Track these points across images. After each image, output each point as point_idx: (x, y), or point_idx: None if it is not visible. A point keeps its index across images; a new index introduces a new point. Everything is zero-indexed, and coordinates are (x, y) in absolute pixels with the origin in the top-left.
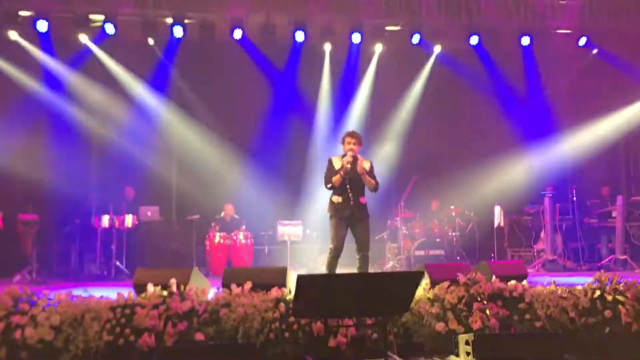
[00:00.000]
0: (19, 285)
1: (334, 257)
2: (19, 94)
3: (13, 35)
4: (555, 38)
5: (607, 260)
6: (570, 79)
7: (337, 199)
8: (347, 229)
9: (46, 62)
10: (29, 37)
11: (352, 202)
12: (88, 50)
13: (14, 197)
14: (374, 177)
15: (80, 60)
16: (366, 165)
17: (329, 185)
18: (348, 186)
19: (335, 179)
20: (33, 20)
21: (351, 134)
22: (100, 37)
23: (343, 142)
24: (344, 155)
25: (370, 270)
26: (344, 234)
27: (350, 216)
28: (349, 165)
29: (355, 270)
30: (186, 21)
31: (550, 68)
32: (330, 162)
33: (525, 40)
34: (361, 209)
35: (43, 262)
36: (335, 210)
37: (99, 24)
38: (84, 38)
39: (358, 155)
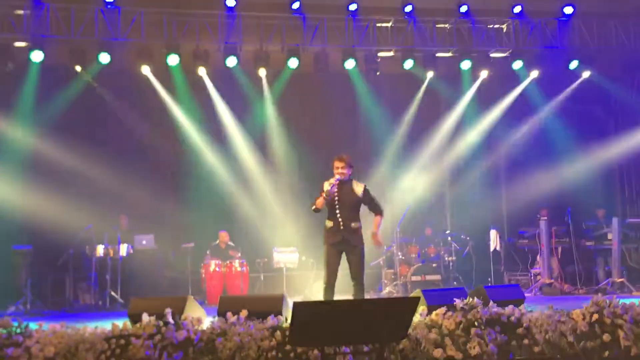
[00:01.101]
0: (13, 317)
1: (327, 286)
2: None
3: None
4: (547, 62)
5: (604, 283)
6: (563, 102)
7: (329, 223)
8: (341, 255)
9: (41, 92)
10: (23, 68)
11: (342, 227)
12: (83, 80)
13: (8, 228)
14: (373, 202)
15: (75, 89)
16: (358, 189)
17: (313, 208)
18: (337, 211)
19: (319, 201)
20: (27, 51)
21: (339, 158)
22: (94, 66)
23: (332, 167)
24: None
25: (367, 297)
26: (335, 262)
27: (342, 242)
28: (329, 187)
29: (351, 298)
30: (181, 50)
31: (543, 91)
32: (322, 186)
33: (517, 65)
34: (353, 234)
35: (37, 293)
36: (327, 236)
37: (94, 53)
38: (79, 67)
39: (351, 179)
